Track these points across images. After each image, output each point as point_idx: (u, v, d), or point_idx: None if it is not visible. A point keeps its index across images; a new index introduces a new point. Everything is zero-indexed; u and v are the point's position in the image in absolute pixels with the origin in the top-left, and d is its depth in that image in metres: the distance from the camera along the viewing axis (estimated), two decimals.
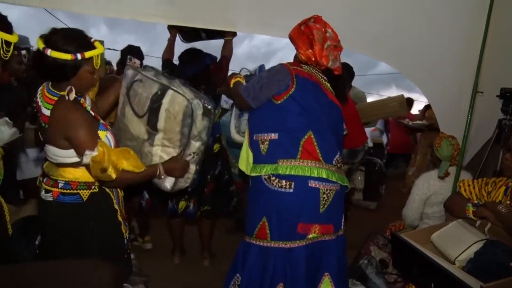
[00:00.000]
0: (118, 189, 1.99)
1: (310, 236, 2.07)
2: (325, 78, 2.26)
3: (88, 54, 1.72)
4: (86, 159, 1.71)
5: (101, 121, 1.90)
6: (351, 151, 3.67)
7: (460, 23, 3.12)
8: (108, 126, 1.92)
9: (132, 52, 3.78)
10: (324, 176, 2.05)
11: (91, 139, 1.75)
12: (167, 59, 3.43)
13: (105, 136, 1.87)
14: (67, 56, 1.68)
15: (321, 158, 2.07)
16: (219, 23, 2.81)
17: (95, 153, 1.71)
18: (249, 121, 2.24)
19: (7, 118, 1.68)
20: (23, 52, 3.62)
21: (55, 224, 1.85)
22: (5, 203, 1.81)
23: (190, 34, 3.34)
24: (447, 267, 1.81)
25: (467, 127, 2.90)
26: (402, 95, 4.42)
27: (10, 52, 1.67)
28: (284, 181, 2.03)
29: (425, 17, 3.05)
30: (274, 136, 2.09)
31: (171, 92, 2.04)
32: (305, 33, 2.19)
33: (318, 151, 2.07)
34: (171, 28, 3.43)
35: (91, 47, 1.75)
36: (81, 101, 1.83)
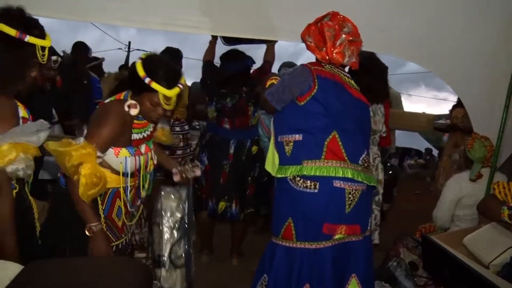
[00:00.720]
0: None
1: (336, 237, 2.06)
2: (348, 75, 2.24)
3: (154, 85, 1.78)
4: (78, 141, 1.72)
5: (140, 146, 1.96)
6: (382, 150, 3.62)
7: (495, 21, 3.03)
8: (140, 153, 1.98)
9: (170, 53, 3.84)
10: (350, 176, 2.03)
11: (98, 138, 1.77)
12: (208, 61, 3.51)
13: (125, 157, 1.91)
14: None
15: (346, 158, 2.06)
16: (256, 32, 2.84)
17: (78, 143, 1.70)
18: (274, 123, 2.25)
19: (42, 120, 1.72)
20: (53, 58, 3.77)
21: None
22: (34, 201, 1.86)
23: (232, 37, 3.40)
24: (480, 271, 1.77)
25: (501, 127, 2.82)
26: (434, 115, 4.40)
27: (46, 56, 1.68)
28: (309, 182, 2.03)
29: (458, 16, 2.98)
30: (298, 137, 2.09)
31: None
32: (317, 32, 2.16)
33: (343, 150, 2.06)
34: None
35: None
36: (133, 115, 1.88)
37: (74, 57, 4.51)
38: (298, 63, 2.80)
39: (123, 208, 1.99)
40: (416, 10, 2.94)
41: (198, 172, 2.28)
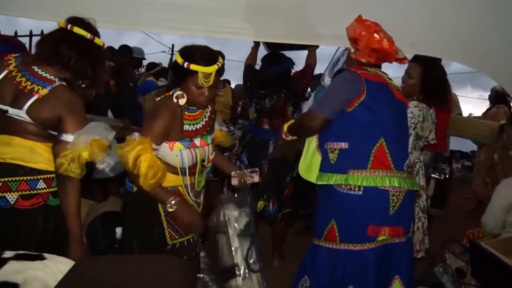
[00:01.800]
0: None
1: (380, 238, 2.04)
2: (390, 77, 2.22)
3: (192, 66, 1.88)
4: (133, 136, 1.86)
5: (193, 139, 2.02)
6: (436, 154, 3.51)
7: None
8: (195, 145, 2.03)
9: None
10: (396, 184, 2.02)
11: (152, 131, 1.89)
12: (249, 65, 3.59)
13: (179, 150, 1.98)
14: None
15: (392, 166, 2.04)
16: (297, 37, 2.84)
17: (134, 138, 1.84)
18: None
19: (105, 123, 1.88)
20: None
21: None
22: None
23: (274, 42, 3.44)
24: None
25: None
26: (497, 125, 4.25)
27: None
28: (353, 185, 2.01)
29: (505, 14, 2.86)
30: (344, 145, 2.07)
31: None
32: (370, 29, 2.11)
33: (389, 158, 2.04)
34: None
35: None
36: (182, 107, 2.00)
37: (120, 60, 4.67)
38: (338, 64, 2.77)
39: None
40: (460, 10, 2.84)
41: (256, 178, 2.27)
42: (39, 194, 1.77)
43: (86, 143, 1.74)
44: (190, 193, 2.08)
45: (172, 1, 2.55)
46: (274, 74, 3.31)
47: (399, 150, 2.09)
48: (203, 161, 2.10)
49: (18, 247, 1.54)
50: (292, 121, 2.35)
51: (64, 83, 1.81)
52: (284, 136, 2.30)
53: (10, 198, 1.73)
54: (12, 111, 1.74)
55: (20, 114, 1.74)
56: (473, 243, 2.04)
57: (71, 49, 1.84)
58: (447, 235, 3.24)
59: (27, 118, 1.74)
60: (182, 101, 1.97)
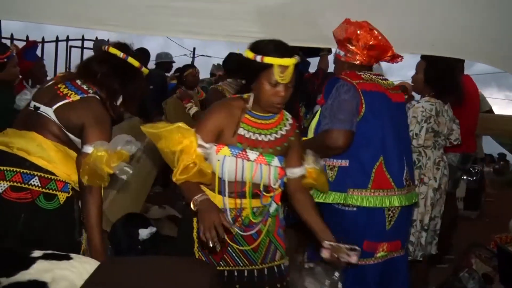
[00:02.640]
0: None
1: (379, 255, 2.02)
2: (383, 77, 2.18)
3: (266, 59, 1.66)
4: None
5: (248, 149, 1.70)
6: (465, 155, 3.43)
7: None
8: (246, 157, 1.70)
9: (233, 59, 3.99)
10: (397, 204, 2.00)
11: (202, 127, 1.70)
12: None
13: (224, 155, 1.69)
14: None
15: (393, 184, 2.01)
16: (314, 41, 2.83)
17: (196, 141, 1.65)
18: None
19: (131, 136, 1.88)
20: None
21: None
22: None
23: None
24: None
25: None
26: None
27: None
28: (351, 204, 2.01)
29: None
30: (344, 163, 2.03)
31: None
32: (364, 27, 2.08)
33: (389, 176, 2.01)
34: None
35: None
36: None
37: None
38: None
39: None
40: (484, 10, 2.79)
41: (354, 259, 1.71)
42: (29, 190, 1.74)
43: (106, 154, 1.75)
44: (228, 216, 1.71)
45: (190, 6, 2.57)
46: None
47: (398, 162, 2.05)
48: (256, 185, 1.73)
49: None
50: (305, 138, 2.19)
51: (97, 96, 1.88)
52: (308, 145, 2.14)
53: (1, 186, 1.72)
54: (43, 109, 1.83)
55: (48, 112, 1.81)
56: (501, 248, 1.99)
57: (101, 65, 1.92)
58: (473, 239, 3.17)
59: (53, 117, 1.81)
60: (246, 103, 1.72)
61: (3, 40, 4.30)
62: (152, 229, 2.87)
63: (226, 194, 1.70)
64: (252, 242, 1.75)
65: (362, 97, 1.98)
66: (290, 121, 1.84)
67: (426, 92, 2.76)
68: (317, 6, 2.67)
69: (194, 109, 3.61)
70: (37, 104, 1.85)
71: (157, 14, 2.62)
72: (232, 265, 1.74)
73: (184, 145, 1.63)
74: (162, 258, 1.86)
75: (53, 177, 1.78)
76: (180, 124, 1.66)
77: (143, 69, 2.01)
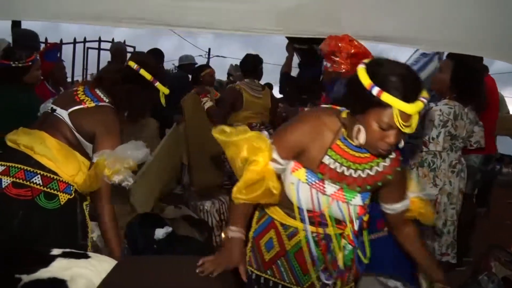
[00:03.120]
0: None
1: None
2: None
3: (385, 96, 1.24)
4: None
5: (326, 181, 1.46)
6: (486, 157, 3.37)
7: None
8: (323, 190, 1.46)
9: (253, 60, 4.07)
10: None
11: (280, 140, 1.47)
12: (285, 72, 3.72)
13: (298, 179, 1.47)
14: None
15: None
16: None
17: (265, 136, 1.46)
18: None
19: (142, 142, 1.92)
20: None
21: None
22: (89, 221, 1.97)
23: (306, 54, 3.48)
24: None
25: None
26: None
27: (163, 101, 2.07)
28: None
29: None
30: None
31: None
32: (345, 39, 2.33)
33: None
34: (290, 47, 3.74)
35: None
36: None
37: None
38: None
39: (275, 241, 1.61)
40: (508, 8, 2.74)
41: None
42: (30, 187, 1.76)
43: (110, 161, 1.78)
44: (312, 249, 1.53)
45: (206, 6, 2.59)
46: (310, 77, 3.34)
47: None
48: (338, 222, 1.52)
49: None
50: None
51: (111, 105, 1.93)
52: None
53: (4, 181, 1.74)
54: (59, 111, 1.88)
55: (63, 114, 1.86)
56: None
57: (115, 75, 1.98)
58: (491, 241, 3.11)
59: (67, 120, 1.86)
60: (362, 138, 1.33)
61: None
62: (168, 229, 2.89)
63: (306, 220, 1.50)
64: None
65: None
66: (392, 155, 1.48)
67: (448, 93, 2.70)
68: (335, 2, 2.66)
69: (208, 104, 3.63)
70: (54, 107, 1.90)
71: (173, 12, 2.65)
72: (278, 278, 1.63)
73: (254, 158, 1.42)
74: (179, 257, 1.88)
75: (55, 177, 1.80)
76: (254, 133, 1.46)
77: (157, 84, 2.01)
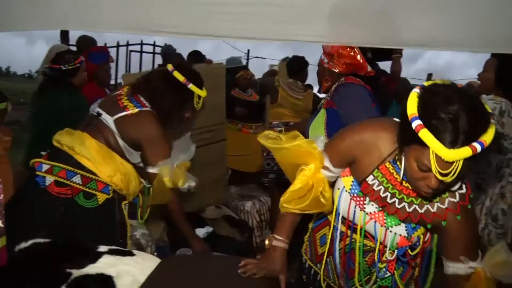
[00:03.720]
0: None
1: None
2: None
3: (424, 134, 1.05)
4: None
5: (367, 198, 1.38)
6: None
7: None
8: (363, 206, 1.39)
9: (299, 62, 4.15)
10: None
11: (333, 146, 1.41)
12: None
13: (343, 186, 1.42)
14: None
15: None
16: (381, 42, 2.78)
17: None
18: None
19: (188, 136, 2.05)
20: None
21: None
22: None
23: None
24: None
25: None
26: None
27: (200, 103, 2.10)
28: None
29: None
30: None
31: None
32: (345, 48, 2.49)
33: None
34: None
35: None
36: None
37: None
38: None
39: (328, 238, 1.57)
40: None
41: None
42: (70, 186, 1.83)
43: (169, 171, 1.89)
44: (337, 268, 1.50)
45: (244, 11, 2.59)
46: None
47: None
48: (379, 242, 1.40)
49: (34, 228, 1.70)
50: None
51: (153, 111, 1.98)
52: None
53: (48, 180, 1.83)
54: (104, 116, 1.95)
55: (108, 120, 1.93)
56: None
57: (159, 83, 2.04)
58: None
59: (112, 126, 1.93)
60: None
61: (71, 47, 4.59)
62: (209, 229, 2.92)
63: (338, 230, 1.48)
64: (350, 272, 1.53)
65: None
66: (456, 198, 1.26)
67: (494, 91, 2.60)
68: (382, 5, 2.60)
69: None
70: (100, 111, 1.97)
71: (212, 19, 2.67)
72: (325, 274, 1.60)
73: (304, 165, 1.39)
74: (220, 256, 1.90)
75: (94, 177, 1.87)
76: (304, 140, 1.41)
77: (191, 85, 2.06)
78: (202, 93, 2.09)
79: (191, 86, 2.04)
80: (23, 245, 1.36)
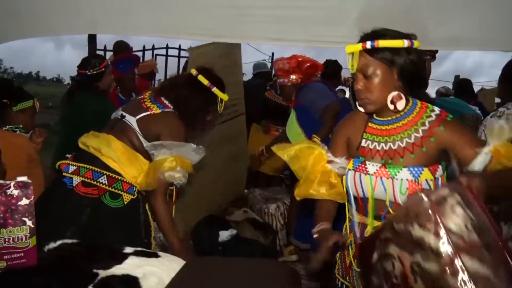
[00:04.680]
0: None
1: None
2: None
3: None
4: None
5: (367, 161, 1.52)
6: None
7: None
8: (365, 170, 1.51)
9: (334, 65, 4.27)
10: None
11: (332, 143, 1.67)
12: None
13: (348, 169, 1.56)
14: None
15: None
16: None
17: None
18: None
19: (201, 146, 1.99)
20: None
21: None
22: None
23: None
24: None
25: None
26: None
27: (222, 107, 2.16)
28: None
29: None
30: None
31: None
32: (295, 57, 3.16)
33: None
34: None
35: None
36: None
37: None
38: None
39: (353, 243, 1.63)
40: None
41: None
42: (97, 186, 1.88)
43: (167, 156, 1.87)
44: (356, 237, 1.56)
45: (271, 13, 2.59)
46: None
47: None
48: (382, 203, 1.49)
49: (62, 227, 1.75)
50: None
51: (176, 112, 2.03)
52: None
53: (75, 180, 1.88)
54: (127, 118, 2.00)
55: (131, 120, 1.98)
56: None
57: (184, 87, 2.08)
58: None
59: (135, 126, 1.96)
60: (401, 105, 1.43)
61: (97, 52, 4.68)
62: (232, 232, 2.92)
63: (353, 207, 1.58)
64: None
65: None
66: (433, 117, 1.45)
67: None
68: (410, 6, 2.56)
69: None
70: (124, 113, 2.02)
71: (237, 22, 2.68)
72: (351, 284, 1.65)
73: (311, 160, 1.59)
74: (245, 259, 1.89)
75: (120, 177, 1.91)
76: (308, 142, 1.66)
77: (214, 89, 2.09)
78: (225, 96, 2.14)
79: (214, 89, 2.08)
80: (52, 245, 1.38)
